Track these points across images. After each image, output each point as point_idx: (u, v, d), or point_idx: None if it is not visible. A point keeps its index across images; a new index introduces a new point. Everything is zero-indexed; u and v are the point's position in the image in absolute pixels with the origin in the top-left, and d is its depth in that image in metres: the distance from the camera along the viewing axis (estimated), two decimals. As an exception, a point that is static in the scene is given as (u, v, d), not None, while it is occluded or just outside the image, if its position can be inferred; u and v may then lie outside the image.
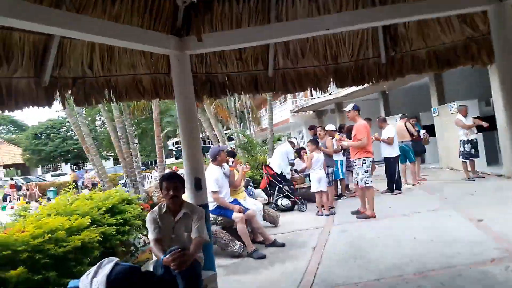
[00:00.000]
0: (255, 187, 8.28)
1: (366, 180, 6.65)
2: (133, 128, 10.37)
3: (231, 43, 3.79)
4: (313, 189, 7.51)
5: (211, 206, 5.53)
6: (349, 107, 6.91)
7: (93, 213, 4.46)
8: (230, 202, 5.56)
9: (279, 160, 8.87)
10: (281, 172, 8.78)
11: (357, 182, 6.78)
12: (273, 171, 8.62)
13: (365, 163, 6.65)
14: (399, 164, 9.20)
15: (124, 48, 3.87)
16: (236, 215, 5.33)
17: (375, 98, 17.00)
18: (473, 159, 9.50)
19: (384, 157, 9.07)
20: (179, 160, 29.24)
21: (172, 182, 3.23)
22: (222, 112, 13.62)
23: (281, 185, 8.25)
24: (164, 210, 3.27)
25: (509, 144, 9.05)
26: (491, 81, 9.38)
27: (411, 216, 6.63)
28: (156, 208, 3.32)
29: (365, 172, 6.65)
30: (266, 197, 7.25)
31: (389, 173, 9.04)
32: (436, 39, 3.89)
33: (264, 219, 6.52)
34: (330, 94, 17.62)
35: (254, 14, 3.89)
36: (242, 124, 25.93)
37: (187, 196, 3.53)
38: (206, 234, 3.22)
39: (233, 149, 11.90)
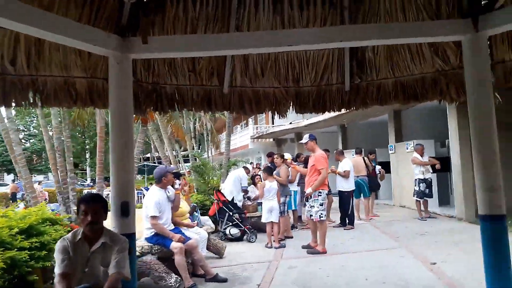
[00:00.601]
0: (203, 214, 7.71)
1: (321, 214, 6.29)
2: (70, 140, 9.40)
3: (182, 50, 3.34)
4: (263, 219, 7.06)
5: (148, 233, 4.94)
6: (305, 138, 6.62)
7: (3, 233, 3.77)
8: (171, 230, 4.97)
9: (231, 186, 8.39)
10: (233, 199, 8.29)
11: (310, 215, 6.41)
12: (224, 197, 8.11)
13: (320, 195, 6.31)
14: (353, 198, 8.99)
15: (56, 44, 3.33)
16: (174, 245, 4.75)
17: (334, 131, 17.05)
18: (427, 198, 9.46)
19: (339, 191, 8.83)
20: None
21: (91, 205, 2.66)
22: (178, 132, 12.92)
23: (231, 213, 7.73)
24: (79, 237, 2.68)
25: (462, 186, 9.11)
26: (449, 122, 9.47)
27: (363, 254, 6.32)
28: (69, 234, 2.72)
29: (320, 205, 6.30)
30: (213, 225, 6.70)
31: (342, 207, 8.78)
32: (405, 69, 3.64)
33: (208, 248, 5.96)
34: (290, 123, 17.54)
35: (212, 21, 3.49)
36: (200, 147, 25.30)
37: (109, 223, 2.96)
38: (127, 270, 2.65)
39: (188, 171, 11.34)
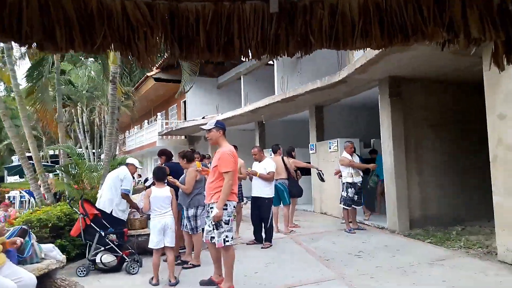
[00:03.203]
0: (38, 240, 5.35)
1: (226, 236, 4.35)
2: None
3: None
4: (151, 244, 4.93)
5: None
6: (209, 124, 4.65)
7: None
8: None
9: (108, 192, 6.10)
10: (112, 211, 6.04)
11: (211, 237, 4.43)
12: (96, 209, 5.82)
13: (226, 209, 4.37)
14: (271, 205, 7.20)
15: None
16: None
17: (251, 128, 15.38)
18: (356, 207, 8.04)
19: (257, 197, 6.95)
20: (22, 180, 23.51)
21: None
22: (47, 120, 9.96)
23: (102, 233, 5.48)
24: None
25: (396, 193, 7.82)
26: (381, 118, 8.16)
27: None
28: None
29: (225, 223, 4.36)
30: (61, 257, 4.33)
31: (261, 219, 6.93)
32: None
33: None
34: (203, 117, 15.51)
35: None
36: (100, 145, 22.08)
37: None
38: None
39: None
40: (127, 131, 26.89)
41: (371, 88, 8.84)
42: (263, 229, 6.97)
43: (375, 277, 4.89)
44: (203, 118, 15.41)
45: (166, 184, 5.28)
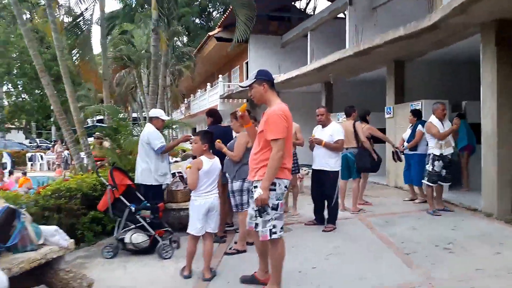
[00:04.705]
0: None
1: (273, 227, 3.24)
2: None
3: None
4: (190, 229, 3.93)
5: None
6: (250, 78, 3.44)
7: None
8: None
9: (142, 162, 5.19)
10: (153, 181, 5.18)
11: (255, 224, 3.35)
12: (129, 178, 5.00)
13: (274, 190, 3.23)
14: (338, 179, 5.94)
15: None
16: None
17: (317, 90, 13.94)
18: (442, 183, 6.53)
19: (320, 171, 5.73)
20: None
21: None
22: (91, 78, 9.11)
23: (133, 208, 4.65)
24: None
25: (497, 168, 6.19)
26: (482, 71, 6.44)
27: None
28: None
29: (272, 208, 3.23)
30: (66, 242, 3.47)
31: (325, 195, 5.73)
32: None
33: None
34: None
35: None
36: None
37: None
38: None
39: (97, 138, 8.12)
40: (191, 95, 26.52)
41: (468, 37, 7.05)
42: (325, 208, 5.81)
43: (477, 285, 3.55)
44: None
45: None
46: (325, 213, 5.82)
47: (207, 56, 21.01)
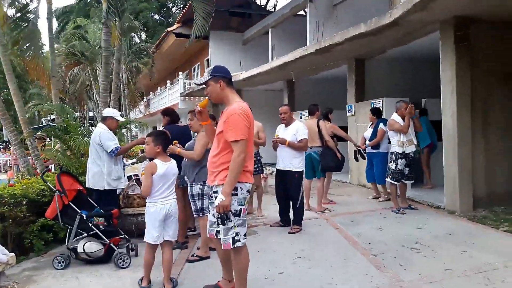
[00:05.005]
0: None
1: (236, 234, 2.99)
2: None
3: None
4: (148, 239, 3.60)
5: None
6: (205, 76, 3.17)
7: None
8: None
9: (93, 164, 4.80)
10: (105, 185, 4.80)
11: (215, 233, 3.09)
12: (79, 183, 4.60)
13: (236, 195, 2.99)
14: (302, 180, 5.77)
15: None
16: None
17: (279, 88, 13.83)
18: (406, 181, 6.53)
19: (284, 171, 5.53)
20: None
21: None
22: (37, 75, 8.32)
23: (84, 215, 4.26)
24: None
25: (457, 165, 6.27)
26: (442, 68, 6.50)
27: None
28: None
29: (235, 215, 2.99)
30: (4, 258, 3.07)
31: (290, 196, 5.54)
32: None
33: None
34: (225, 76, 13.99)
35: None
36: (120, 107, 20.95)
37: None
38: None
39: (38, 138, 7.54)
40: (151, 93, 25.75)
41: (428, 34, 7.11)
42: (291, 209, 5.64)
43: (448, 286, 3.48)
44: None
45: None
46: (291, 213, 5.66)
47: (166, 52, 20.43)
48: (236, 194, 2.95)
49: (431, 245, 4.70)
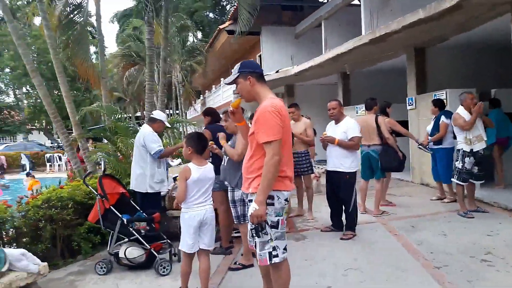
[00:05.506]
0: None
1: (273, 249, 2.68)
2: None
3: None
4: (183, 247, 3.41)
5: None
6: (233, 74, 2.86)
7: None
8: None
9: (136, 166, 4.71)
10: (148, 188, 4.69)
11: (254, 244, 2.80)
12: (123, 186, 4.54)
13: (273, 204, 2.68)
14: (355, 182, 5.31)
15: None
16: None
17: (333, 82, 13.27)
18: (474, 182, 5.85)
19: (334, 172, 5.13)
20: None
21: None
22: (86, 72, 8.36)
23: (125, 219, 4.17)
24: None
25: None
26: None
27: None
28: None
29: (272, 226, 2.68)
30: (35, 269, 2.96)
31: (341, 199, 5.14)
32: None
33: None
34: (277, 71, 13.71)
35: None
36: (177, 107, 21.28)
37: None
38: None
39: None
40: (207, 91, 26.05)
41: (497, 17, 6.31)
42: (343, 212, 5.23)
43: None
44: (277, 72, 13.61)
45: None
46: (344, 217, 5.25)
47: (219, 50, 20.47)
48: (273, 204, 2.64)
49: (505, 256, 4.10)
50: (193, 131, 4.21)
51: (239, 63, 2.88)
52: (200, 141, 3.45)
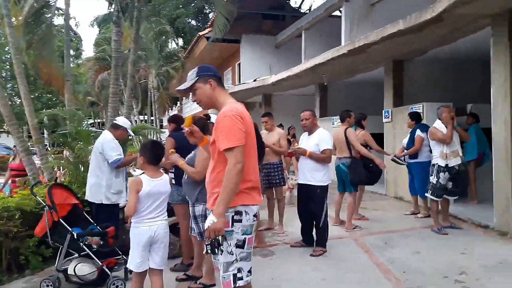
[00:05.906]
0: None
1: (238, 270, 2.39)
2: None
3: None
4: (131, 265, 3.10)
5: None
6: (189, 79, 2.55)
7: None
8: None
9: (92, 175, 4.39)
10: (103, 199, 4.35)
11: (219, 265, 2.50)
12: (76, 197, 4.19)
13: (240, 221, 2.40)
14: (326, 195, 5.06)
15: None
16: None
17: (311, 93, 13.14)
18: (448, 197, 5.71)
19: (305, 185, 4.88)
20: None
21: None
22: (51, 78, 7.90)
23: (75, 233, 3.82)
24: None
25: (510, 179, 5.39)
26: (493, 69, 5.65)
27: None
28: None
29: (237, 246, 2.39)
30: None
31: (313, 212, 4.88)
32: None
33: None
34: (255, 80, 13.52)
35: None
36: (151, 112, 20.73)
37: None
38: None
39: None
40: (184, 98, 25.70)
41: (477, 31, 6.27)
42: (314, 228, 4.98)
43: None
44: (254, 81, 13.42)
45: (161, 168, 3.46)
46: (314, 233, 5.01)
47: (198, 57, 20.21)
48: (241, 220, 2.36)
49: (480, 277, 3.92)
50: (150, 139, 3.89)
51: (195, 68, 2.61)
52: (154, 150, 3.15)
